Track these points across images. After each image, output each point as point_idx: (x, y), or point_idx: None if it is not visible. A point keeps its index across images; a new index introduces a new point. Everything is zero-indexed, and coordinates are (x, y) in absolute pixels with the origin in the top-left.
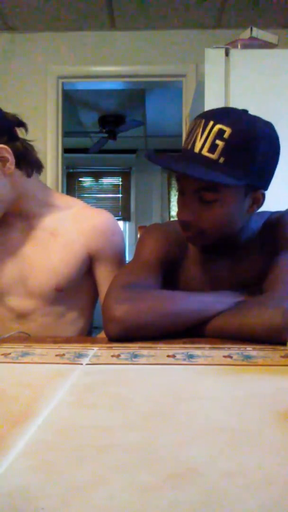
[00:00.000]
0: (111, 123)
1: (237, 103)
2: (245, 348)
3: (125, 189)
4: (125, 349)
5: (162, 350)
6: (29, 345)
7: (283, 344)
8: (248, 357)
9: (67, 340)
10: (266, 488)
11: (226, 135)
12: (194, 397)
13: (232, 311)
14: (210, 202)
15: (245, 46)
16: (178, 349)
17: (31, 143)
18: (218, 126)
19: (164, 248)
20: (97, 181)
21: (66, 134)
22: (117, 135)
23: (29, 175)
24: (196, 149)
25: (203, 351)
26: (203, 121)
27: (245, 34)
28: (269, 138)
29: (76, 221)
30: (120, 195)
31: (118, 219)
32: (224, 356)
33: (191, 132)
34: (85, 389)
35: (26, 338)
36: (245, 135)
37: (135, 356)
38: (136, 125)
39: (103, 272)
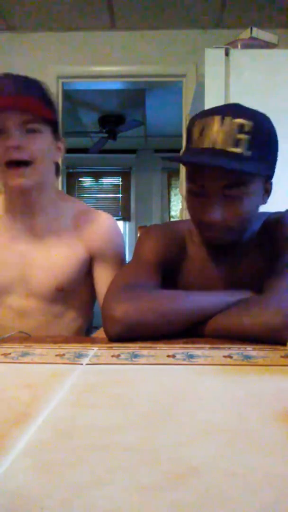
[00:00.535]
0: (111, 123)
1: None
2: (245, 348)
3: (125, 189)
4: (125, 349)
5: (162, 350)
6: (29, 345)
7: (283, 344)
8: (248, 357)
9: (67, 340)
10: (266, 488)
11: (247, 129)
12: (194, 397)
13: (232, 311)
14: (235, 198)
15: (245, 46)
16: (178, 349)
17: None
18: (237, 121)
19: (163, 248)
20: (97, 181)
21: (66, 134)
22: (117, 135)
23: (58, 172)
24: (219, 145)
25: (203, 351)
26: (218, 117)
27: (245, 34)
28: (274, 129)
29: (79, 223)
30: (120, 195)
31: (118, 219)
32: (224, 356)
33: (203, 130)
34: (85, 389)
35: (26, 338)
36: (264, 127)
37: (135, 356)
38: (136, 125)
39: (103, 273)
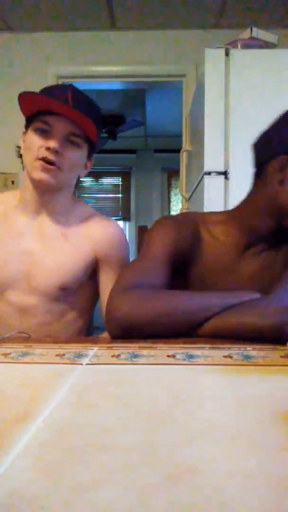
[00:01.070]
0: (111, 123)
1: (237, 103)
2: (245, 348)
3: (125, 189)
4: (125, 349)
5: (162, 350)
6: (29, 345)
7: (283, 344)
8: (248, 357)
9: (67, 340)
10: (266, 488)
11: None
12: (194, 397)
13: (231, 311)
14: None
15: (245, 46)
16: (178, 349)
17: None
18: None
19: (174, 240)
20: (97, 181)
21: None
22: (117, 135)
23: (77, 185)
24: None
25: (203, 351)
26: None
27: (245, 34)
28: None
29: (87, 226)
30: (120, 195)
31: (118, 219)
32: (224, 356)
33: None
34: (85, 389)
35: (26, 338)
36: None
37: (135, 356)
38: (136, 125)
39: (107, 276)
